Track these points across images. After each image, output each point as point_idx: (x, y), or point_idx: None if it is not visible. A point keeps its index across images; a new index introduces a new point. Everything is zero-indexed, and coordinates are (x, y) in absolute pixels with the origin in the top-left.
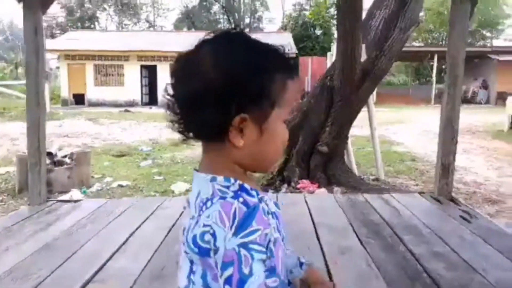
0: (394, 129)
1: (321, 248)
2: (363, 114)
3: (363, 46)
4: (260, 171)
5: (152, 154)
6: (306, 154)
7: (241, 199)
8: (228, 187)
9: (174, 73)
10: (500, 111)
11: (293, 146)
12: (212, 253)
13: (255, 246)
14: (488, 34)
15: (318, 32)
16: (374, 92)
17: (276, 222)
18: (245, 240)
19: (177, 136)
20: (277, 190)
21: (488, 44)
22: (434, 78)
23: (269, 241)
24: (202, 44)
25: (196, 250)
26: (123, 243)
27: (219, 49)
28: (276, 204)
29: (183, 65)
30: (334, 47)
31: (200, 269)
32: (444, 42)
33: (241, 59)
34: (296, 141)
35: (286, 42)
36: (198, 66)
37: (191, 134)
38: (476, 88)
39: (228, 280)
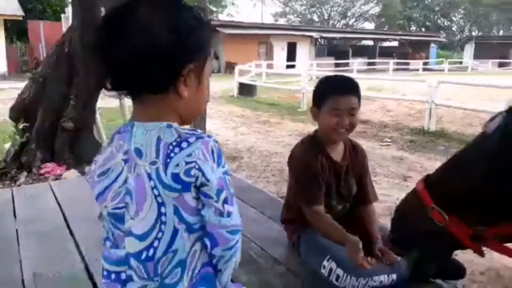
0: None
1: (77, 245)
2: None
3: (103, 9)
4: (188, 122)
5: None
6: (49, 133)
7: (212, 137)
8: (192, 130)
9: (108, 33)
10: (230, 79)
11: (31, 125)
12: (193, 187)
13: (228, 171)
14: (214, 9)
15: None
16: None
17: None
18: (225, 169)
19: None
20: (14, 180)
21: (215, 19)
22: None
23: None
24: (137, 4)
25: (178, 187)
26: None
27: (160, 8)
28: None
29: (121, 24)
30: (68, 9)
31: (171, 209)
32: None
33: (183, 14)
34: (34, 118)
35: (10, 2)
36: (144, 24)
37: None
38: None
39: (225, 200)
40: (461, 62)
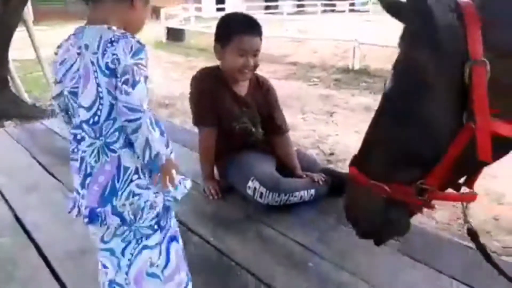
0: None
1: (3, 196)
2: (22, 34)
3: None
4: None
5: None
6: None
7: (136, 39)
8: (124, 33)
9: None
10: (156, 24)
11: None
12: (115, 74)
13: (142, 66)
14: None
15: None
16: (31, 10)
17: None
18: (137, 61)
19: None
20: None
21: None
22: None
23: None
24: None
25: (108, 72)
26: None
27: None
28: None
29: None
30: None
31: (105, 90)
32: None
33: None
34: None
35: None
36: None
37: None
38: None
39: (125, 81)
40: None
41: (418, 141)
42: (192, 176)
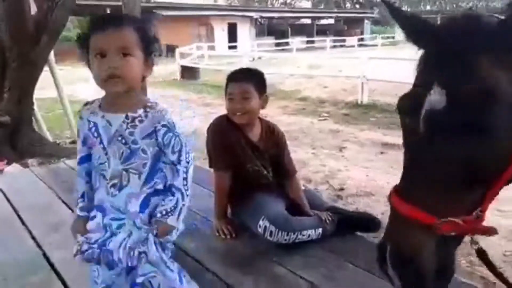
0: (80, 87)
1: (31, 234)
2: (44, 73)
3: None
4: None
5: None
6: None
7: None
8: None
9: None
10: (171, 62)
11: None
12: None
13: None
14: None
15: None
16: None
17: None
18: None
19: None
20: None
21: (152, 0)
22: None
23: None
24: None
25: None
26: None
27: None
28: None
29: None
30: None
31: None
32: None
33: None
34: None
35: None
36: None
37: None
38: None
39: None
40: (393, 37)
41: (480, 161)
42: (205, 213)
